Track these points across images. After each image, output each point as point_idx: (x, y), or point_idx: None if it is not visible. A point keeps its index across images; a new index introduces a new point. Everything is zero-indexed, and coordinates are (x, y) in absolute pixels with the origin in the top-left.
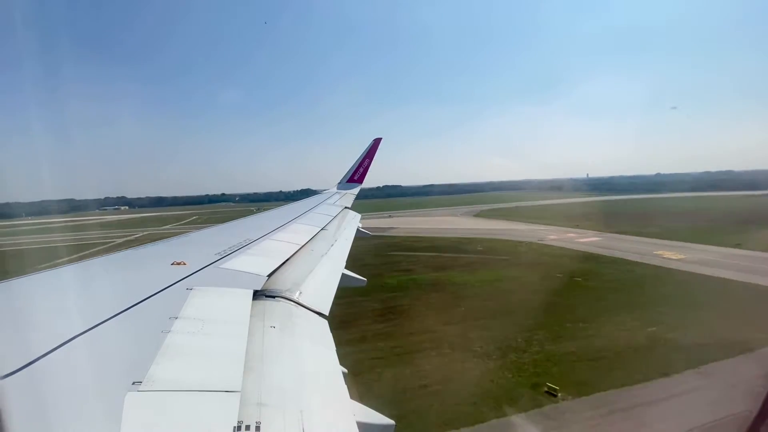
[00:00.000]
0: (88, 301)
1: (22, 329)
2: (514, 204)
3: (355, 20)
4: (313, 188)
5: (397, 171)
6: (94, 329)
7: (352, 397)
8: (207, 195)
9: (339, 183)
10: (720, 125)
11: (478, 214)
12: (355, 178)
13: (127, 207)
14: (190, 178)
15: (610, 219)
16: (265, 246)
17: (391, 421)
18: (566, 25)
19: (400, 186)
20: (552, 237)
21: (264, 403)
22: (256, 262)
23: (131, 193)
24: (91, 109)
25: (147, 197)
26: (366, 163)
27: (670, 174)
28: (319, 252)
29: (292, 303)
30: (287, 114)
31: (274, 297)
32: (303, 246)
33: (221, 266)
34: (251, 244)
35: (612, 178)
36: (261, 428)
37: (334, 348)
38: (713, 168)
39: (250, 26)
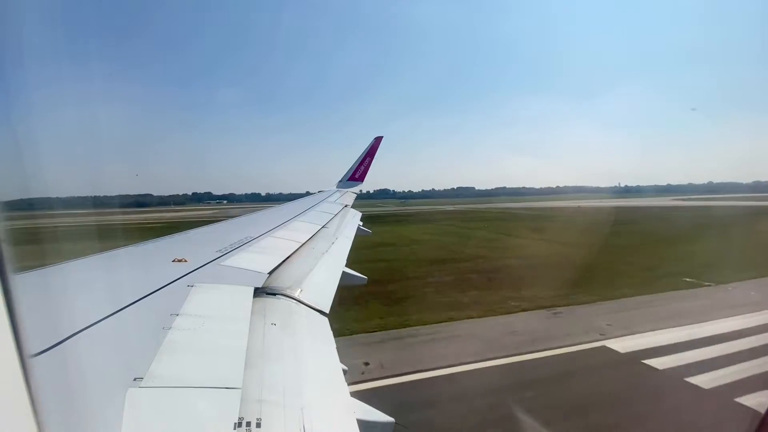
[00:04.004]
0: (89, 298)
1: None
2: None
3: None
4: (389, 188)
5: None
6: (95, 325)
7: (351, 395)
8: (281, 193)
9: (339, 181)
10: (762, 134)
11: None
12: (356, 176)
13: (226, 201)
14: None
15: None
16: (266, 243)
17: (391, 419)
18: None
19: (473, 188)
20: None
21: (265, 399)
22: (257, 260)
23: (216, 190)
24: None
25: (244, 194)
26: (367, 161)
27: (723, 183)
28: (320, 250)
29: (293, 300)
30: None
31: (275, 294)
32: (304, 244)
33: (222, 263)
34: (252, 241)
35: (669, 186)
36: (262, 425)
37: (335, 346)
38: (763, 178)
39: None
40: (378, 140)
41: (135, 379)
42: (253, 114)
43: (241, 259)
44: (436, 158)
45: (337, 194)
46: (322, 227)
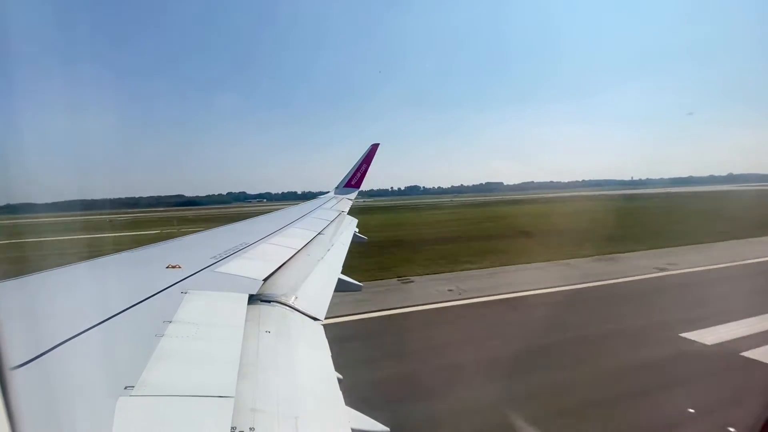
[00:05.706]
0: (80, 305)
1: (7, 334)
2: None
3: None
4: (419, 184)
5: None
6: (86, 332)
7: (346, 403)
8: (310, 191)
9: (336, 188)
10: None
11: None
12: (353, 183)
13: (266, 200)
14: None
15: None
16: (261, 250)
17: (386, 428)
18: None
19: (501, 183)
20: None
21: (258, 408)
22: (252, 266)
23: (250, 190)
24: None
25: (281, 192)
26: (364, 168)
27: (744, 174)
28: (316, 256)
29: (287, 308)
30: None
31: (269, 301)
32: (299, 250)
33: (216, 270)
34: (247, 247)
35: (690, 177)
36: None
37: (330, 353)
38: None
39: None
40: (374, 147)
41: (126, 388)
42: (279, 117)
43: (236, 266)
44: (463, 156)
45: (334, 201)
46: (318, 234)
